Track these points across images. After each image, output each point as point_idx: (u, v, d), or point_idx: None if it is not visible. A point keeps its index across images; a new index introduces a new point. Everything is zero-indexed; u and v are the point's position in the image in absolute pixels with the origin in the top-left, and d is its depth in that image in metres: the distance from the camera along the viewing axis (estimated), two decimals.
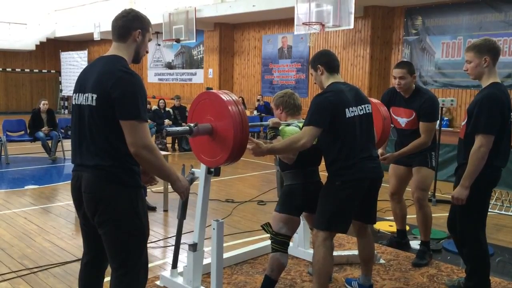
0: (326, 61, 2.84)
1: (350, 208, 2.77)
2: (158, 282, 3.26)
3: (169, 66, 16.29)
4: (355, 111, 2.71)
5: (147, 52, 2.29)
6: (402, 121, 3.72)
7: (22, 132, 8.99)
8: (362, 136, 2.72)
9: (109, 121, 2.03)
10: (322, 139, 2.80)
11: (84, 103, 2.09)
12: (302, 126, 2.72)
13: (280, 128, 2.90)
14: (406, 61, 3.91)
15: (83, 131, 2.11)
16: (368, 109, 2.81)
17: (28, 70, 19.24)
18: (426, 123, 3.54)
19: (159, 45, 15.73)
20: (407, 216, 4.11)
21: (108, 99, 2.01)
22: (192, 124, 2.41)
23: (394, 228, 4.26)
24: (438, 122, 6.38)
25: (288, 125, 2.93)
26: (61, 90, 19.06)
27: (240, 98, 12.90)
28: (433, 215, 5.22)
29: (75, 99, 2.16)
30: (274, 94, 13.25)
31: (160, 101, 10.60)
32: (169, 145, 10.16)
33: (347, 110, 2.68)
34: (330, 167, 2.76)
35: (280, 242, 2.90)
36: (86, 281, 2.38)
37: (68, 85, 18.38)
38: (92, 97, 2.05)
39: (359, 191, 2.75)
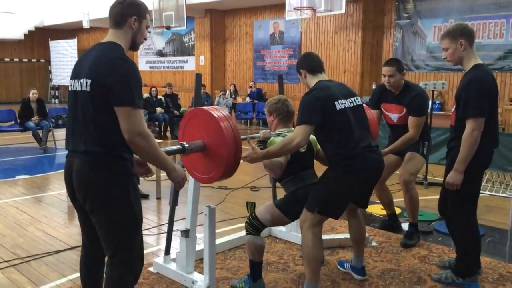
0: (307, 64, 2.88)
1: (348, 197, 2.78)
2: (151, 269, 3.26)
3: (160, 53, 16.16)
4: (344, 103, 2.72)
5: (145, 39, 2.26)
6: (394, 117, 3.79)
7: (12, 122, 8.91)
8: (357, 127, 2.71)
9: (103, 107, 2.01)
10: (319, 135, 2.81)
11: (79, 89, 2.08)
12: (295, 126, 2.72)
13: (269, 141, 2.91)
14: (395, 59, 3.94)
15: (77, 117, 2.10)
16: (358, 101, 2.82)
17: (17, 59, 18.99)
18: (415, 118, 3.61)
19: (149, 32, 15.55)
20: (398, 200, 4.13)
21: (102, 85, 1.99)
22: (184, 143, 2.39)
23: (385, 212, 4.29)
24: (429, 107, 6.42)
25: (278, 135, 2.92)
26: (51, 80, 18.85)
27: (232, 85, 12.86)
28: (425, 197, 5.29)
29: (71, 85, 2.15)
30: (266, 81, 13.19)
31: (152, 89, 10.54)
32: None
33: (336, 103, 2.68)
34: (331, 158, 2.75)
35: (255, 227, 2.90)
36: (86, 268, 2.39)
37: (58, 74, 18.18)
38: (87, 82, 2.04)
39: (361, 182, 2.74)
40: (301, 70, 2.89)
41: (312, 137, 3.03)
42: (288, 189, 2.97)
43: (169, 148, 2.39)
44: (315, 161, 3.09)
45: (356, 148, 2.66)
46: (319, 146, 3.10)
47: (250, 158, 2.62)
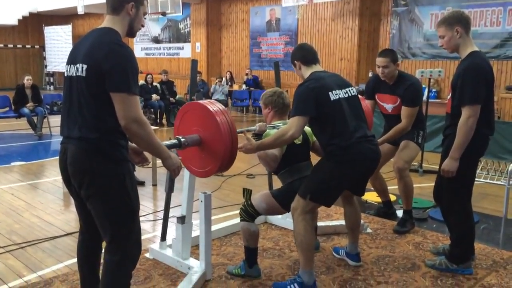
0: (301, 55, 2.87)
1: (341, 186, 2.78)
2: (147, 255, 3.27)
3: (156, 40, 16.03)
4: (339, 93, 2.71)
5: (142, 26, 2.25)
6: (388, 107, 3.82)
7: (7, 109, 8.85)
8: (352, 117, 2.71)
9: (98, 93, 2.00)
10: (314, 126, 2.80)
11: (74, 75, 2.07)
12: (289, 118, 2.71)
13: (265, 133, 2.90)
14: (389, 50, 3.94)
15: (72, 102, 2.09)
16: (353, 92, 2.81)
17: (11, 45, 18.77)
18: (408, 108, 3.64)
19: (144, 18, 15.40)
20: (393, 187, 4.15)
21: (98, 71, 1.98)
22: (180, 137, 2.37)
23: (380, 199, 4.31)
24: (426, 95, 6.41)
25: (274, 128, 2.91)
26: (46, 66, 18.69)
27: (228, 73, 12.79)
28: (420, 185, 5.32)
29: (67, 70, 2.14)
30: (262, 68, 13.07)
31: (148, 76, 10.46)
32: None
33: (330, 93, 2.67)
34: (327, 148, 2.74)
35: (249, 214, 2.92)
36: (84, 254, 2.40)
37: (52, 60, 18.01)
38: (83, 67, 2.02)
39: (356, 172, 2.74)
40: (295, 61, 2.88)
41: (308, 129, 3.03)
42: (285, 181, 2.97)
43: (165, 142, 2.38)
44: (311, 153, 3.09)
45: (352, 138, 2.65)
46: (315, 138, 3.10)
47: (245, 149, 2.64)
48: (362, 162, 2.71)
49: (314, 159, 2.98)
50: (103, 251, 2.25)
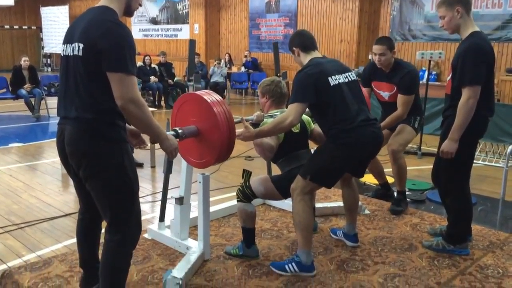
0: (299, 42, 2.84)
1: (343, 169, 2.78)
2: (146, 235, 3.28)
3: (154, 21, 15.86)
4: (339, 78, 2.69)
5: (140, 5, 2.21)
6: (385, 94, 3.81)
7: (4, 90, 8.81)
8: (353, 101, 2.69)
9: (95, 72, 1.97)
10: (315, 113, 2.78)
11: (71, 54, 2.04)
12: (287, 105, 2.69)
13: (262, 123, 2.87)
14: (386, 37, 3.91)
15: (69, 82, 2.06)
16: (353, 77, 2.79)
17: (7, 26, 18.57)
18: (404, 96, 3.64)
19: None
20: (389, 169, 4.15)
21: (94, 49, 1.94)
22: (177, 128, 2.34)
23: (377, 182, 4.32)
24: (425, 77, 6.37)
25: (271, 117, 2.89)
26: (43, 47, 18.52)
27: (227, 55, 12.69)
28: (418, 167, 5.33)
29: (63, 50, 2.11)
30: (261, 50, 12.93)
31: (146, 58, 10.38)
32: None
33: (329, 79, 2.65)
34: (329, 132, 2.72)
35: (246, 195, 2.92)
36: (83, 234, 2.41)
37: (50, 41, 17.84)
38: (79, 46, 1.99)
39: (359, 155, 2.74)
40: (294, 48, 2.85)
41: (306, 117, 3.01)
42: (283, 169, 2.97)
43: None
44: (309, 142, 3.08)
45: (355, 121, 2.64)
46: (313, 126, 3.09)
47: (243, 136, 2.63)
48: (365, 145, 2.71)
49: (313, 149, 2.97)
50: (102, 231, 2.26)
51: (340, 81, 2.69)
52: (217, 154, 2.38)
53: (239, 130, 2.56)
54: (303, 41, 2.84)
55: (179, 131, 2.31)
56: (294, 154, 2.93)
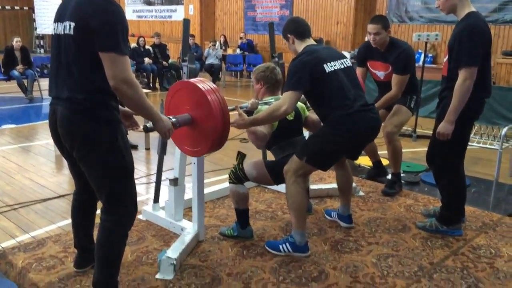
0: (294, 28, 2.80)
1: (340, 153, 2.78)
2: (140, 216, 3.28)
3: (148, 2, 15.64)
4: (334, 65, 2.67)
5: None
6: (380, 74, 3.79)
7: None
8: (350, 87, 2.67)
9: (87, 51, 1.93)
10: (311, 100, 2.76)
11: (62, 33, 2.00)
12: (282, 93, 2.67)
13: (256, 110, 2.84)
14: (381, 16, 3.87)
15: (60, 62, 2.03)
16: (348, 63, 2.77)
17: None
18: (398, 76, 3.62)
19: None
20: (384, 152, 4.15)
21: (86, 28, 1.90)
22: (171, 117, 2.30)
23: (370, 160, 4.33)
24: (421, 59, 6.33)
25: (266, 104, 2.86)
26: (36, 28, 18.26)
27: (222, 36, 12.56)
28: (413, 149, 5.34)
29: (54, 29, 2.07)
30: (257, 32, 12.78)
31: (140, 39, 10.26)
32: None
33: (325, 65, 2.63)
34: (327, 117, 2.70)
35: (238, 177, 2.91)
36: (78, 214, 2.41)
37: (42, 22, 17.58)
38: (70, 25, 1.95)
39: (357, 140, 2.73)
40: (288, 35, 2.82)
41: (300, 104, 2.99)
42: (277, 156, 2.96)
43: None
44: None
45: (353, 107, 2.63)
46: (307, 113, 3.07)
47: (237, 124, 2.60)
48: (364, 130, 2.70)
49: None
50: (98, 211, 2.25)
51: (336, 68, 2.67)
52: (211, 142, 2.37)
53: (232, 118, 2.54)
54: (298, 28, 2.81)
55: (173, 119, 2.28)
56: (288, 141, 2.92)
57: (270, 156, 3.12)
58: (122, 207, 2.15)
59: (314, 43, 2.82)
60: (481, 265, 2.71)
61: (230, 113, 2.42)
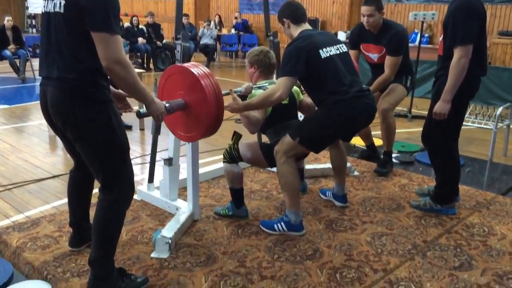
0: (290, 12, 2.77)
1: (333, 137, 2.79)
2: (135, 196, 3.26)
3: None
4: (330, 50, 2.64)
5: None
6: (374, 56, 3.77)
7: None
8: (346, 72, 2.65)
9: (78, 30, 1.89)
10: (307, 85, 2.74)
11: (52, 11, 1.95)
12: (277, 78, 2.63)
13: (250, 95, 2.80)
14: None
15: (51, 41, 1.98)
16: (344, 49, 2.75)
17: None
18: (391, 58, 3.61)
19: None
20: (378, 132, 4.16)
21: (77, 6, 1.85)
22: (164, 102, 2.27)
23: (364, 143, 4.33)
24: (417, 40, 6.29)
25: (260, 88, 2.82)
26: (27, 8, 17.95)
27: (217, 16, 12.41)
28: (408, 129, 5.34)
29: (44, 6, 2.01)
30: (252, 11, 12.63)
31: (133, 18, 10.11)
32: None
33: (321, 51, 2.60)
34: (323, 102, 2.68)
35: (232, 157, 2.90)
36: (74, 192, 2.41)
37: (34, 1, 17.23)
38: (60, 3, 1.90)
39: (351, 125, 2.73)
40: (284, 19, 2.78)
41: (295, 88, 2.96)
42: (272, 139, 2.95)
43: None
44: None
45: (349, 92, 2.61)
46: (302, 97, 3.05)
47: (231, 108, 2.58)
48: (359, 116, 2.70)
49: None
50: (95, 191, 2.23)
51: (332, 53, 2.65)
52: (205, 128, 2.34)
53: (226, 102, 2.51)
54: (294, 12, 2.77)
55: (166, 105, 2.25)
56: (283, 124, 2.90)
57: (266, 140, 3.10)
58: (119, 186, 2.14)
59: (310, 28, 2.80)
60: (474, 243, 2.73)
61: (224, 96, 2.40)
